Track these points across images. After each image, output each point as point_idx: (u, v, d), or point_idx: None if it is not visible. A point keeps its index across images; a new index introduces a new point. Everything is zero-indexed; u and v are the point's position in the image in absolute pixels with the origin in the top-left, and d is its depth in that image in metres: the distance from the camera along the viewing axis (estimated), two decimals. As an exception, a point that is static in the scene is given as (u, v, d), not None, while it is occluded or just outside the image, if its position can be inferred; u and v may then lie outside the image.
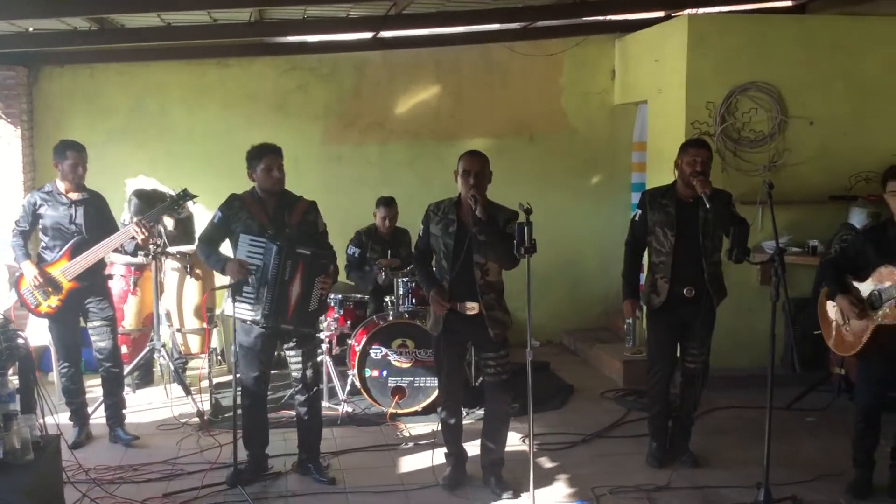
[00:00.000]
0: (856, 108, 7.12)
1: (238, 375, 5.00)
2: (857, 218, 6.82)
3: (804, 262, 6.80)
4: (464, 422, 5.19)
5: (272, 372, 5.40)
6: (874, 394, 4.75)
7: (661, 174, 7.27)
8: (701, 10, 7.10)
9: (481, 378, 5.60)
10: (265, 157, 4.85)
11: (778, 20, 7.19)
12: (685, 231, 5.01)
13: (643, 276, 5.42)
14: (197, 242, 5.03)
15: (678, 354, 5.35)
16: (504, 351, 4.81)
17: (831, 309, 4.89)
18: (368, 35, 7.65)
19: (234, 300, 4.79)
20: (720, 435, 5.87)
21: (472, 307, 4.70)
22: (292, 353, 5.04)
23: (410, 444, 5.67)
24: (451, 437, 5.01)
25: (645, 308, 5.35)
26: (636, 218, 5.23)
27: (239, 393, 5.02)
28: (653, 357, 5.36)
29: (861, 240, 4.77)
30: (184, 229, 7.08)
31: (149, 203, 6.67)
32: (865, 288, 4.64)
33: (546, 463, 5.36)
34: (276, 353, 5.29)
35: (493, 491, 4.85)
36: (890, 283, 4.47)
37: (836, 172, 7.07)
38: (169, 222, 6.84)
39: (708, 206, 4.82)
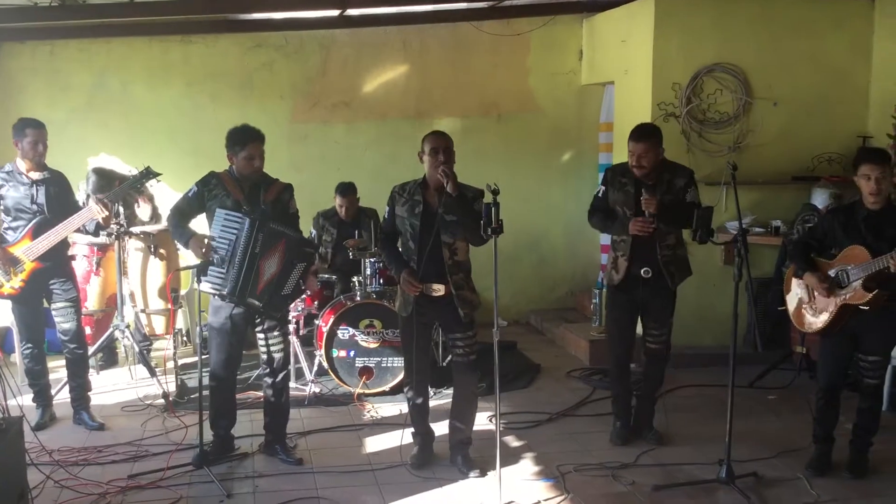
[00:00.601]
0: (819, 90, 7.19)
1: (206, 356, 4.96)
2: (820, 199, 6.92)
3: (767, 242, 6.90)
4: (431, 402, 5.21)
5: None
6: (835, 372, 4.83)
7: (627, 155, 7.32)
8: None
9: (449, 358, 5.61)
10: (248, 144, 4.78)
11: (744, 2, 7.21)
12: (643, 211, 4.98)
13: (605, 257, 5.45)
14: (170, 212, 4.97)
15: (641, 335, 5.40)
16: (472, 331, 4.82)
17: (797, 287, 4.95)
18: (335, 12, 7.58)
19: (199, 280, 4.76)
20: (683, 412, 5.95)
21: (438, 289, 4.70)
22: (262, 335, 5.02)
23: (377, 422, 5.68)
24: (418, 417, 5.02)
25: (605, 287, 5.38)
26: (599, 194, 5.27)
27: (206, 374, 4.99)
28: (612, 337, 5.42)
29: (829, 219, 4.81)
30: (148, 206, 7.00)
31: (107, 180, 6.57)
32: (832, 271, 4.70)
33: (513, 442, 5.40)
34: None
35: (460, 470, 4.88)
36: (858, 263, 4.54)
37: (799, 154, 7.16)
38: (146, 209, 6.77)
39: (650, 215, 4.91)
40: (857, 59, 7.19)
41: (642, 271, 5.06)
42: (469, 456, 4.94)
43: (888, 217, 4.56)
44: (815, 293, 4.78)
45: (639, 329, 5.38)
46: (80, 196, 6.51)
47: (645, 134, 5.04)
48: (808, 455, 4.97)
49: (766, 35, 7.09)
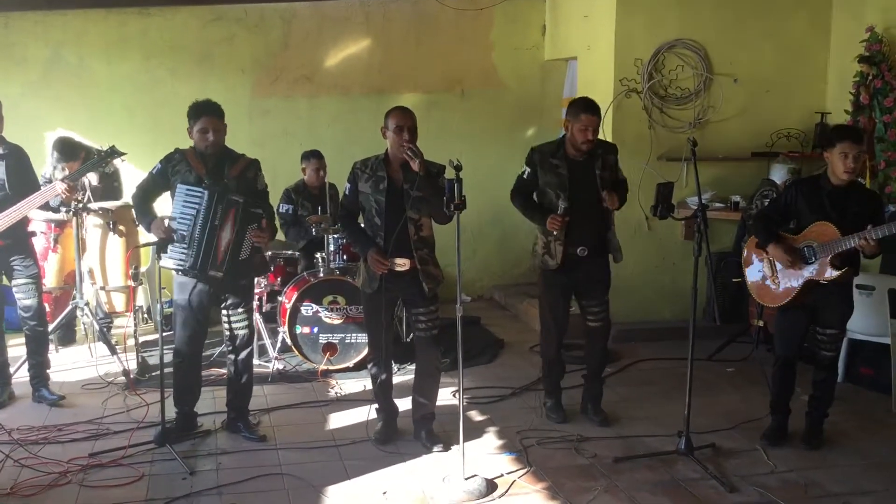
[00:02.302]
0: (779, 67, 7.27)
1: (168, 333, 4.92)
2: (778, 174, 7.02)
3: (727, 217, 6.98)
4: (395, 378, 5.23)
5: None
6: (791, 345, 4.92)
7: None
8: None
9: (412, 334, 5.62)
10: (202, 117, 4.72)
11: (705, -22, 7.26)
12: (578, 192, 4.97)
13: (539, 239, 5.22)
14: (135, 190, 4.91)
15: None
16: (434, 306, 4.84)
17: (759, 261, 4.99)
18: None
19: (159, 256, 4.71)
20: (643, 386, 6.04)
21: (403, 263, 4.70)
22: (225, 311, 4.98)
23: (341, 398, 5.69)
24: (382, 392, 5.04)
25: (540, 269, 5.24)
26: (525, 176, 5.12)
27: (168, 351, 4.95)
28: (547, 322, 5.27)
29: (792, 192, 4.84)
30: (109, 184, 6.89)
31: (72, 151, 6.45)
32: (797, 246, 4.75)
33: (476, 416, 5.44)
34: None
35: (423, 444, 4.91)
36: (826, 240, 4.60)
37: (758, 130, 7.24)
38: (93, 177, 6.65)
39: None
40: (816, 37, 7.27)
41: (578, 250, 5.02)
42: (433, 431, 4.97)
43: (852, 194, 4.65)
44: (778, 268, 4.84)
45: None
46: (47, 168, 6.42)
47: (597, 107, 5.02)
48: (764, 425, 5.07)
49: (727, 12, 7.13)
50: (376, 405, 5.09)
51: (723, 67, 7.16)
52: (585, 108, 4.97)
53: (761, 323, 6.43)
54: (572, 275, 5.11)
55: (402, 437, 5.05)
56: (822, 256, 4.62)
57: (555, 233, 4.96)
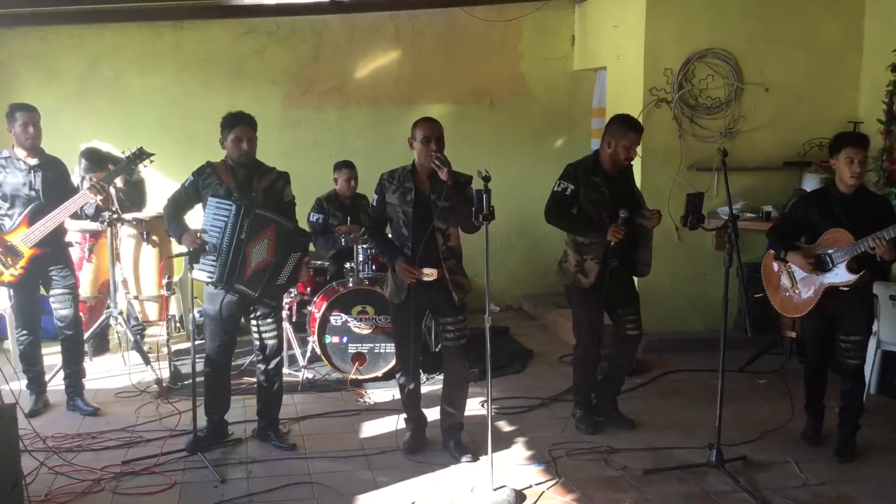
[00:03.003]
0: (810, 76, 7.20)
1: (200, 342, 4.98)
2: (810, 184, 6.94)
3: (758, 227, 6.91)
4: (424, 388, 5.24)
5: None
6: (819, 351, 5.02)
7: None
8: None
9: (441, 344, 5.64)
10: (236, 127, 4.79)
11: (736, -13, 7.23)
12: (617, 208, 4.96)
13: (569, 254, 5.23)
14: (166, 202, 4.99)
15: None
16: (462, 315, 4.85)
17: (779, 273, 5.03)
18: (326, -1, 7.57)
19: (192, 267, 4.78)
20: (673, 397, 6.00)
21: (431, 273, 4.72)
22: (255, 322, 5.04)
23: (370, 408, 5.71)
24: (410, 402, 5.05)
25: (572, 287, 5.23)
26: (567, 192, 5.05)
27: (200, 360, 5.01)
28: (584, 338, 5.26)
29: (802, 205, 4.92)
30: (135, 192, 6.98)
31: (100, 161, 6.55)
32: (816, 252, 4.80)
33: (504, 427, 5.43)
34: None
35: (452, 455, 4.91)
36: (841, 245, 4.64)
37: (790, 139, 7.17)
38: (118, 181, 6.73)
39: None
40: (849, 45, 7.19)
41: (612, 263, 5.02)
42: (461, 441, 4.97)
43: (861, 200, 4.73)
44: (798, 277, 4.86)
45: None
46: (75, 177, 6.53)
47: (640, 125, 5.09)
48: (798, 440, 5.08)
49: (757, 21, 7.09)
50: (405, 415, 5.11)
51: (753, 77, 7.11)
52: (633, 126, 5.02)
53: (794, 334, 6.38)
54: (605, 289, 5.09)
55: (430, 446, 5.06)
56: (839, 262, 4.67)
57: (612, 243, 4.93)
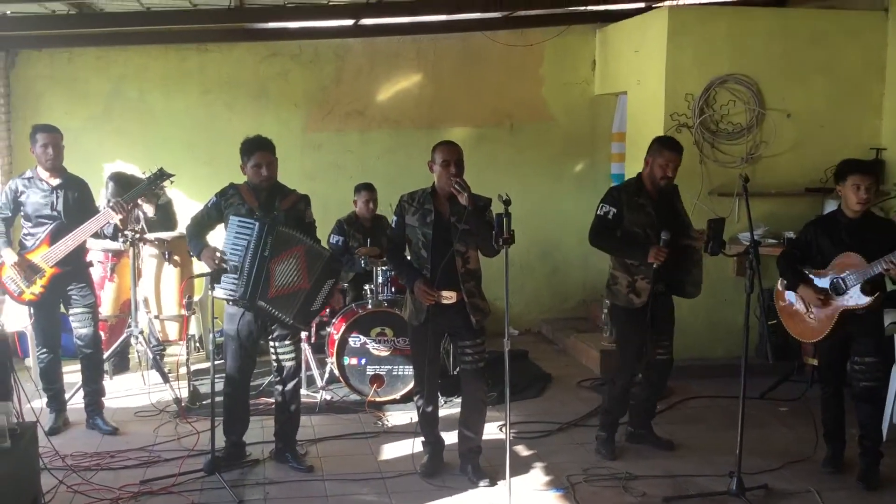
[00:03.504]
0: (833, 102, 7.18)
1: (220, 362, 5.00)
2: (832, 210, 6.89)
3: (779, 253, 6.86)
4: (442, 410, 5.23)
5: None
6: (835, 373, 5.03)
7: (640, 164, 7.30)
8: (681, 2, 7.14)
9: (459, 367, 5.63)
10: (256, 153, 4.85)
11: (757, 13, 7.22)
12: (664, 230, 5.00)
13: (614, 274, 5.26)
14: (189, 221, 5.05)
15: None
16: (481, 339, 4.84)
17: (793, 299, 5.04)
18: (349, 22, 7.63)
19: (213, 287, 4.80)
20: (694, 424, 5.94)
21: (450, 296, 4.72)
22: (273, 343, 5.05)
23: (387, 430, 5.69)
24: (428, 425, 5.04)
25: (610, 306, 5.29)
26: (609, 216, 5.09)
27: (219, 380, 5.03)
28: (628, 359, 5.26)
29: (811, 230, 4.97)
30: (165, 214, 7.05)
31: (126, 186, 6.63)
32: (825, 279, 4.83)
33: (523, 451, 5.40)
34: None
35: (469, 479, 4.89)
36: (855, 268, 4.66)
37: (812, 165, 7.13)
38: (149, 209, 6.80)
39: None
40: (871, 71, 7.17)
41: (659, 287, 5.09)
42: (479, 465, 4.95)
43: (868, 224, 4.78)
44: (813, 305, 4.88)
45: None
46: (100, 202, 6.60)
47: (679, 146, 5.14)
48: (819, 469, 5.03)
49: (779, 47, 7.08)
50: (422, 438, 5.09)
51: (775, 102, 7.09)
52: (668, 145, 5.11)
53: (815, 361, 6.31)
54: (652, 311, 5.12)
55: (448, 470, 5.04)
56: (853, 285, 4.69)
57: (655, 265, 4.95)
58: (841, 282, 4.74)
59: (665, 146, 5.10)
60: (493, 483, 4.83)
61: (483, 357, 4.86)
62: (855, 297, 4.69)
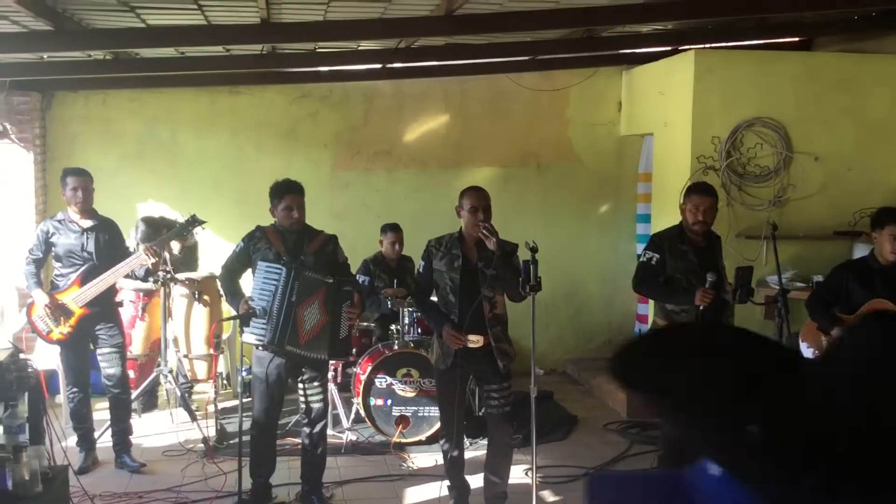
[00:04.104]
0: (861, 145, 7.17)
1: (248, 401, 5.04)
2: (861, 254, 6.83)
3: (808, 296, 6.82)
4: (467, 453, 5.22)
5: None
6: None
7: (666, 205, 7.34)
8: (707, 45, 7.19)
9: (484, 408, 5.63)
10: (286, 196, 4.91)
11: (784, 56, 7.26)
12: (704, 277, 4.99)
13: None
14: (220, 270, 5.13)
15: None
16: (507, 382, 4.84)
17: (824, 344, 5.01)
18: (378, 65, 7.74)
19: (242, 331, 4.86)
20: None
21: (477, 340, 4.74)
22: (301, 384, 5.09)
23: (413, 473, 5.69)
24: (454, 470, 5.03)
25: None
26: (652, 262, 5.12)
27: (246, 419, 5.06)
28: None
29: (842, 273, 4.95)
30: (189, 255, 7.14)
31: (155, 229, 6.73)
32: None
33: (549, 496, 5.38)
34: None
35: (495, 524, 4.87)
36: None
37: (840, 208, 7.11)
38: (175, 246, 6.89)
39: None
40: (899, 115, 7.17)
41: None
42: None
43: None
44: None
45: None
46: (129, 243, 6.70)
47: (710, 188, 5.14)
48: None
49: (806, 90, 7.10)
50: (448, 482, 5.09)
51: (803, 145, 7.09)
52: (696, 189, 5.13)
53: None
54: None
55: (473, 515, 5.02)
56: None
57: (701, 307, 4.93)
58: None
59: (692, 190, 5.15)
60: (519, 529, 4.81)
61: (509, 401, 4.86)
62: None
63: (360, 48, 6.93)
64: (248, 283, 5.11)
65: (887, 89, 7.16)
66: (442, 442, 5.07)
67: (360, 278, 7.10)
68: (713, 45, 7.23)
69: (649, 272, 5.16)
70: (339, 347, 5.01)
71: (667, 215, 7.19)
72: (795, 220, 7.01)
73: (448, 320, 4.77)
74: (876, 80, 7.15)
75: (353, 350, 5.45)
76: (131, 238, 6.76)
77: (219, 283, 5.16)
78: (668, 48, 7.55)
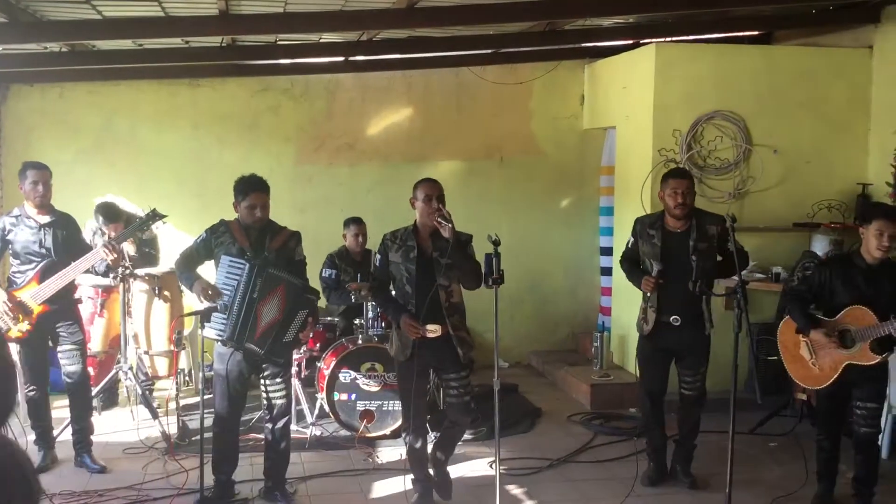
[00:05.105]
0: (819, 138, 7.27)
1: (209, 397, 4.98)
2: (820, 245, 6.96)
3: (768, 288, 6.92)
4: (430, 446, 5.22)
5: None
6: (834, 420, 5.02)
7: (629, 198, 7.40)
8: (668, 39, 7.24)
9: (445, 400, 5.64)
10: (251, 194, 4.85)
11: (744, 50, 7.34)
12: (671, 261, 5.09)
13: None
14: (177, 257, 5.04)
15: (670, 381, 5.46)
16: (466, 371, 4.86)
17: (802, 346, 4.98)
18: (340, 58, 7.69)
19: (203, 326, 4.80)
20: (685, 460, 5.94)
21: (435, 329, 4.74)
22: (263, 381, 5.04)
23: (377, 467, 5.68)
24: (417, 463, 5.03)
25: (639, 336, 5.42)
26: (629, 245, 5.39)
27: (208, 416, 5.01)
28: (641, 383, 5.43)
29: (824, 270, 4.87)
30: (146, 252, 7.02)
31: (113, 216, 6.61)
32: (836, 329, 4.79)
33: (513, 489, 5.38)
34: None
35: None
36: (863, 325, 4.63)
37: (799, 200, 7.21)
38: (130, 248, 6.76)
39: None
40: (856, 108, 7.27)
41: (671, 319, 5.14)
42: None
43: (885, 272, 4.68)
44: (819, 352, 4.84)
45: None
46: (87, 233, 6.58)
47: (686, 171, 5.28)
48: (813, 491, 5.06)
49: (765, 84, 7.18)
50: (412, 475, 5.08)
51: (762, 138, 7.18)
52: (672, 174, 5.25)
53: (804, 396, 6.33)
54: (666, 342, 5.21)
55: (438, 508, 5.03)
56: (860, 342, 4.66)
57: (648, 294, 5.12)
58: (849, 337, 4.70)
59: (668, 175, 5.25)
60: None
61: (469, 391, 4.88)
62: (863, 355, 4.66)
63: (321, 40, 6.87)
64: (207, 275, 5.05)
65: (845, 83, 7.26)
66: (405, 434, 5.07)
67: (327, 272, 7.07)
68: (674, 38, 7.28)
69: (627, 254, 5.41)
70: (278, 350, 4.93)
71: (629, 208, 7.26)
72: (755, 212, 7.10)
73: (405, 311, 4.77)
74: (834, 73, 7.25)
75: (290, 359, 5.39)
76: (88, 229, 6.63)
77: (174, 267, 5.06)
78: (630, 42, 7.60)
